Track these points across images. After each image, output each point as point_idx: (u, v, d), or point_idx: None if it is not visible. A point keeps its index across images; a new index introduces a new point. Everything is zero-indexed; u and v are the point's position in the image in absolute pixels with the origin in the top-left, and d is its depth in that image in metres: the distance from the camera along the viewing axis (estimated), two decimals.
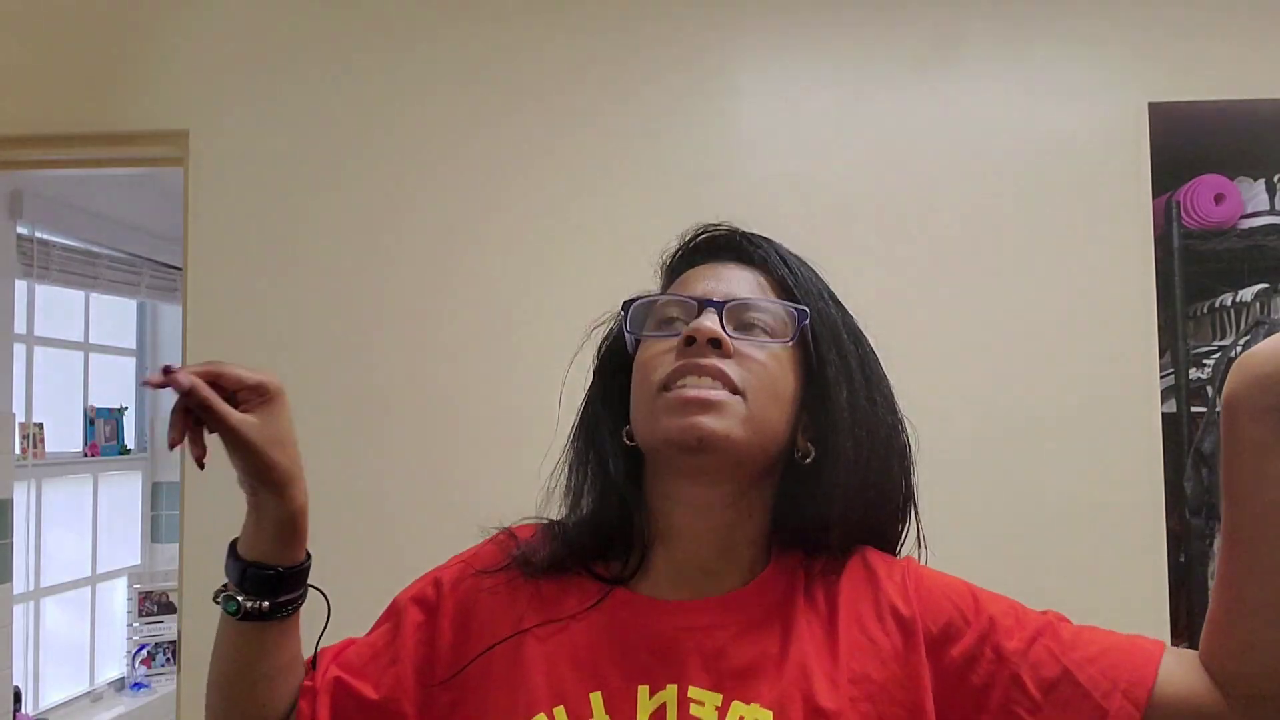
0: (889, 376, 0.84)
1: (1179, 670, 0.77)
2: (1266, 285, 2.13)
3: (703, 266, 0.82)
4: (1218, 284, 2.26)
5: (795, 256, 0.85)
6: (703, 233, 0.86)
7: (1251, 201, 2.12)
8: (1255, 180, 2.15)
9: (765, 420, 0.74)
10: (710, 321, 0.74)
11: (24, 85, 2.01)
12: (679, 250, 0.87)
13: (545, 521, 0.86)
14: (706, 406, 0.71)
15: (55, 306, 3.49)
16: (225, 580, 0.80)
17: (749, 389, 0.73)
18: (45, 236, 3.22)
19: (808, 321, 0.78)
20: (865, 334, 0.85)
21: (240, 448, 0.79)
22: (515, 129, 1.96)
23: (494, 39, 1.98)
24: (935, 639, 0.74)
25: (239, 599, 0.80)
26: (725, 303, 0.76)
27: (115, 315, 3.92)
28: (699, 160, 1.95)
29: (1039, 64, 1.96)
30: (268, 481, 0.79)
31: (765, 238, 0.85)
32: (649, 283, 2.08)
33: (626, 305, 0.81)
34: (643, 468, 0.80)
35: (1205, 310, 2.27)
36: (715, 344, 0.73)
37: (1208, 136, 2.14)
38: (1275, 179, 2.12)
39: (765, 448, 0.75)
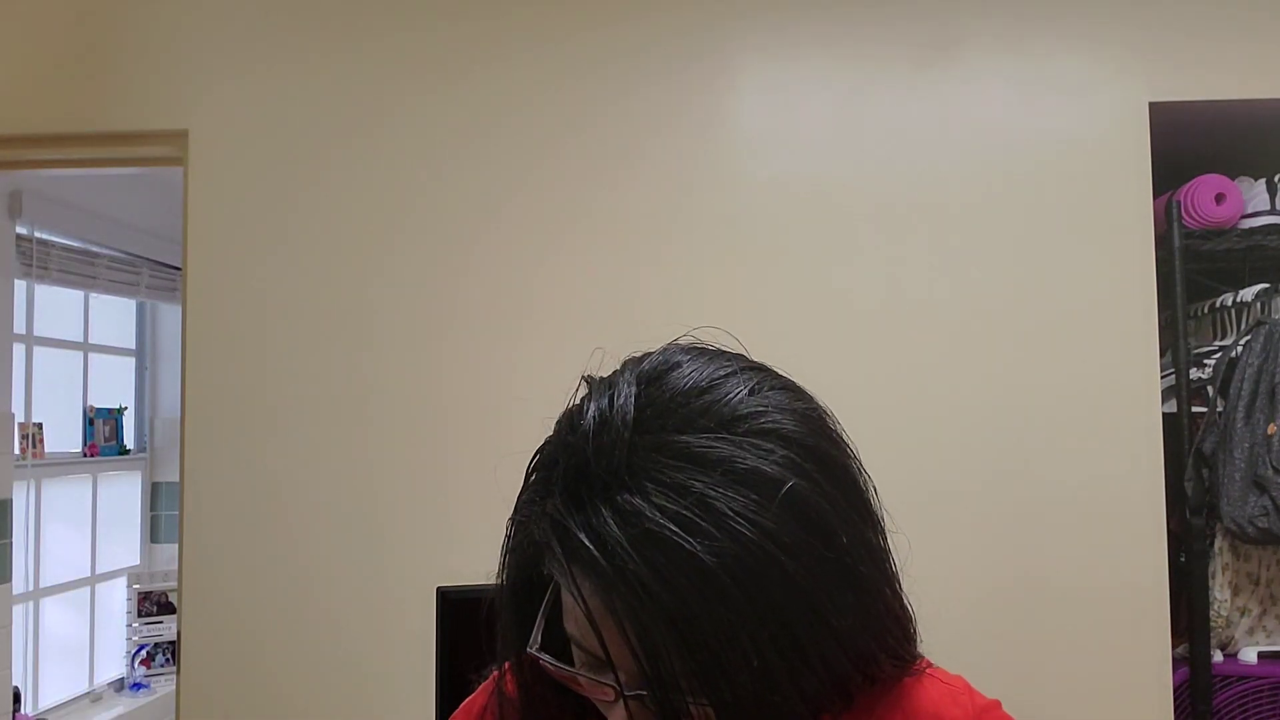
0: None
1: None
2: (1267, 285, 2.13)
3: (569, 606, 0.58)
4: (1218, 284, 2.26)
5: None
6: (541, 473, 0.61)
7: (1252, 201, 2.12)
8: (1256, 180, 2.15)
9: None
10: None
11: (24, 85, 2.01)
12: (538, 488, 0.60)
13: (492, 675, 0.70)
14: None
15: (55, 306, 3.48)
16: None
17: None
18: (45, 236, 3.21)
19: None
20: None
21: None
22: (515, 129, 1.96)
23: (493, 40, 1.98)
24: None
25: None
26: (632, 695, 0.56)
27: (115, 315, 3.91)
28: (699, 161, 1.95)
29: (1039, 64, 1.96)
30: None
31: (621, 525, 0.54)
32: (648, 282, 2.07)
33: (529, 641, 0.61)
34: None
35: (1206, 310, 2.27)
36: None
37: (1208, 136, 2.14)
38: (1276, 179, 2.12)
39: None
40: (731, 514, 0.52)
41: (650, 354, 0.62)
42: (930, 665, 0.69)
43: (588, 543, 0.53)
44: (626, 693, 0.55)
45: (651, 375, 0.59)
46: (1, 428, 2.88)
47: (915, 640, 0.66)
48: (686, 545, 0.51)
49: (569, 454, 0.57)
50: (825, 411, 0.63)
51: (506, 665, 0.68)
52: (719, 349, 0.64)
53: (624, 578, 0.52)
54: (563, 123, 1.96)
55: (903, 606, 0.65)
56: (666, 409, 0.57)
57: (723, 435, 0.55)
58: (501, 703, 0.69)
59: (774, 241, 1.94)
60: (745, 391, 0.58)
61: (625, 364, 0.62)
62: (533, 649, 0.60)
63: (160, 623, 3.79)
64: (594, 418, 0.57)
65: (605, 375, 0.62)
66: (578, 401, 0.61)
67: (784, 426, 0.57)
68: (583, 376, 0.63)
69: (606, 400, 0.58)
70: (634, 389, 0.58)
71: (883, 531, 0.63)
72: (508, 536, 0.64)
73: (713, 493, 0.53)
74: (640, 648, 0.53)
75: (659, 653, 0.52)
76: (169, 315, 4.04)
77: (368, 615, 1.88)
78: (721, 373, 0.60)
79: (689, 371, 0.59)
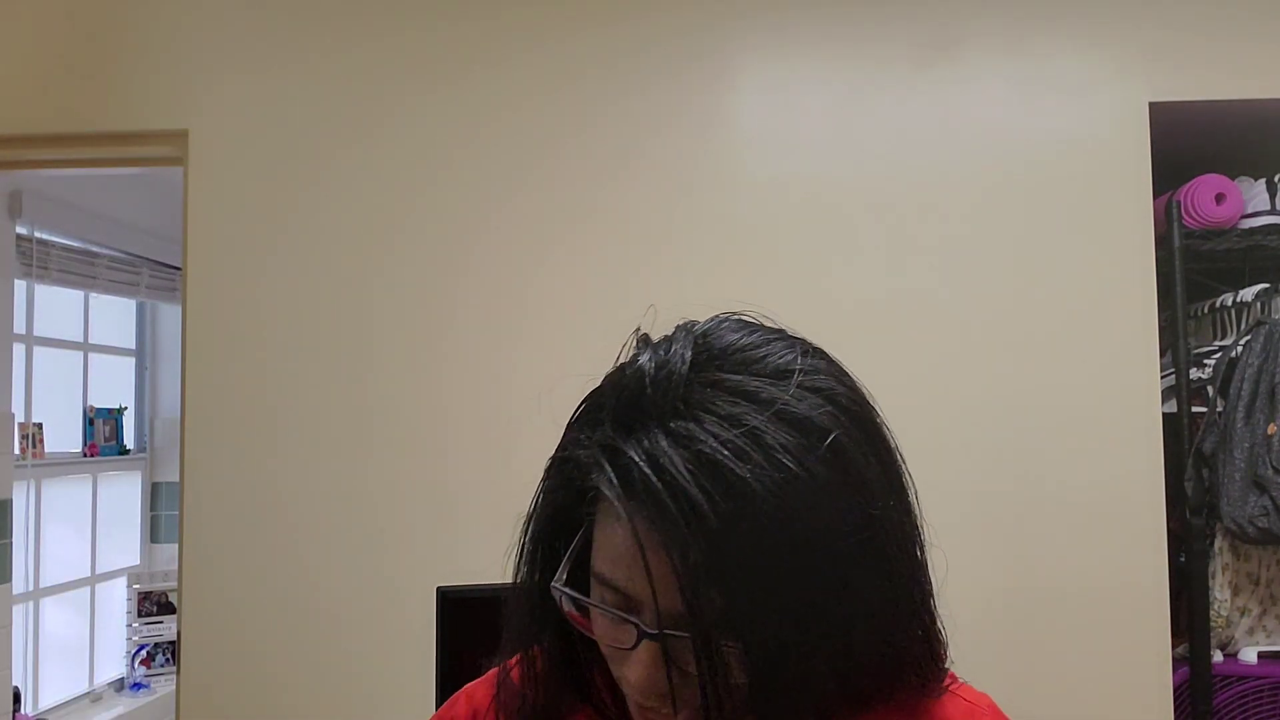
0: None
1: None
2: (1267, 285, 2.13)
3: (605, 539, 0.59)
4: (1218, 284, 2.26)
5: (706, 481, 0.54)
6: (593, 407, 0.61)
7: (1252, 201, 2.13)
8: (1256, 180, 2.15)
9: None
10: (649, 683, 0.58)
11: (24, 85, 2.01)
12: (586, 423, 0.61)
13: (499, 667, 0.70)
14: None
15: (55, 306, 3.49)
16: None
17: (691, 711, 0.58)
18: (45, 236, 3.21)
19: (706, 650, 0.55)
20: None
21: None
22: (516, 129, 1.96)
23: (493, 40, 1.98)
24: None
25: None
26: (649, 650, 0.57)
27: (115, 315, 3.91)
28: (699, 161, 1.95)
29: (1039, 64, 1.96)
30: None
31: (663, 453, 0.55)
32: (648, 282, 2.07)
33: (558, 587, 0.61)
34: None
35: (1206, 310, 2.27)
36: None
37: (1208, 136, 2.14)
38: (1275, 179, 2.12)
39: None
40: (780, 449, 0.54)
41: (700, 321, 0.64)
42: (956, 681, 0.68)
43: (639, 460, 0.54)
44: (649, 631, 0.56)
45: (707, 331, 0.61)
46: (1, 428, 2.89)
47: (943, 660, 0.65)
48: (736, 470, 0.53)
49: (622, 390, 0.59)
50: (872, 397, 0.65)
51: (513, 659, 0.68)
52: (765, 322, 0.66)
53: (674, 496, 0.53)
54: (563, 123, 1.96)
55: (934, 622, 0.64)
56: (723, 355, 0.59)
57: (776, 382, 0.57)
58: (505, 693, 0.69)
59: (774, 241, 1.94)
60: (798, 353, 0.61)
61: (678, 328, 0.63)
62: (558, 584, 0.61)
63: (160, 623, 3.79)
64: (650, 361, 0.59)
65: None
66: (630, 355, 0.62)
67: (835, 389, 0.59)
68: (637, 333, 0.65)
69: (664, 349, 0.59)
70: (691, 339, 0.60)
71: (920, 536, 0.65)
72: (546, 473, 0.64)
73: (764, 428, 0.54)
74: (681, 570, 0.53)
75: (698, 580, 0.53)
76: (169, 315, 4.04)
77: (367, 615, 1.88)
78: (773, 336, 0.62)
79: (742, 333, 0.62)
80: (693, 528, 0.53)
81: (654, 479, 0.54)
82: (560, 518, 0.63)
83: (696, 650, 0.54)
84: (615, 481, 0.55)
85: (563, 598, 0.61)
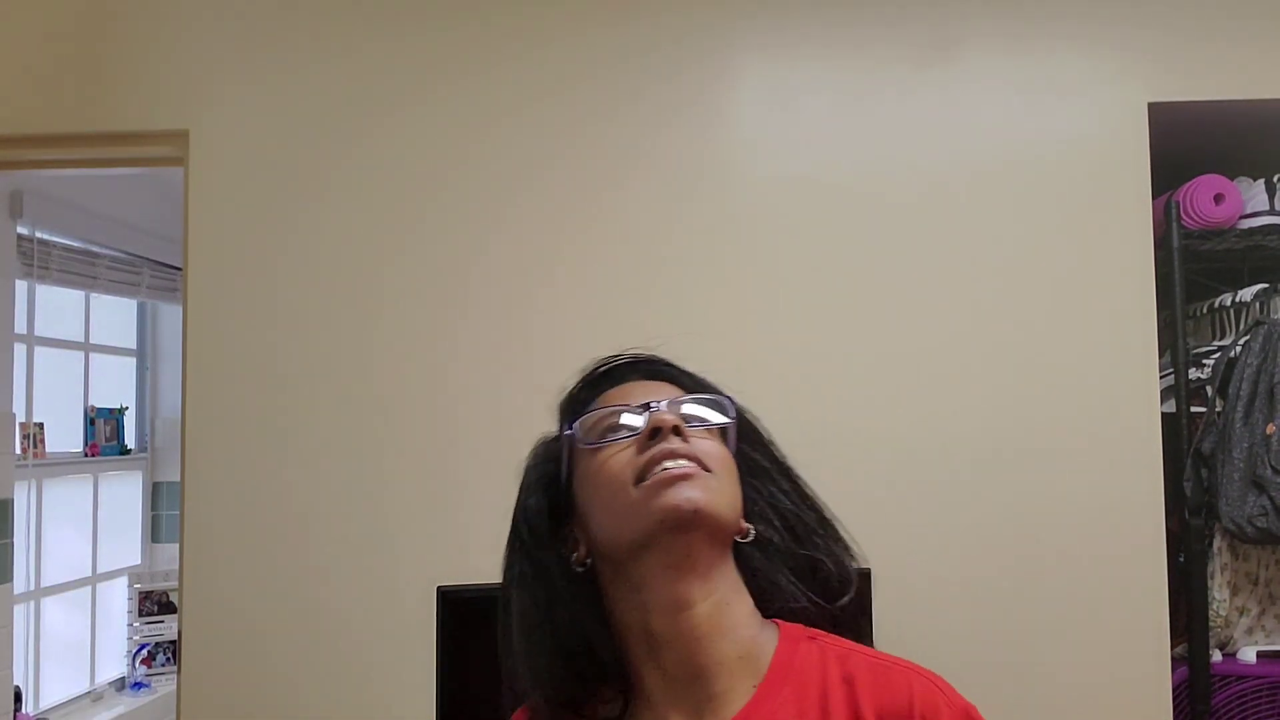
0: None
1: None
2: (1266, 285, 2.14)
3: (616, 389, 0.85)
4: (1217, 284, 2.26)
5: (688, 370, 0.89)
6: (604, 364, 0.88)
7: (1251, 201, 2.13)
8: (1255, 180, 2.15)
9: (734, 495, 0.79)
10: (667, 413, 0.79)
11: (24, 85, 2.01)
12: (581, 386, 0.88)
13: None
14: (692, 481, 0.75)
15: (55, 306, 3.49)
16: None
17: (715, 467, 0.78)
18: (45, 236, 3.22)
19: (734, 409, 0.84)
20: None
21: None
22: (517, 130, 1.96)
23: (493, 40, 1.98)
24: None
25: None
26: (665, 400, 0.81)
27: (115, 315, 3.92)
28: (698, 162, 1.95)
29: (1039, 64, 1.96)
30: None
31: (658, 356, 0.89)
32: (649, 282, 2.07)
33: (566, 419, 0.84)
34: (592, 598, 0.80)
35: (1205, 310, 2.27)
36: (677, 432, 0.77)
37: (1207, 136, 2.14)
38: (1275, 179, 2.12)
39: (736, 522, 0.79)
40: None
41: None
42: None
43: (631, 355, 0.88)
44: (655, 404, 0.80)
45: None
46: (3, 428, 2.89)
47: (850, 582, 0.84)
48: (698, 375, 0.88)
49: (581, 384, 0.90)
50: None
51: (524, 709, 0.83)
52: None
53: (666, 365, 0.87)
54: (565, 123, 1.97)
55: (842, 546, 0.87)
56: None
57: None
58: None
59: (774, 241, 1.94)
60: None
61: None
62: (568, 430, 0.84)
63: (161, 622, 3.80)
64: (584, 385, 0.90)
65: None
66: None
67: None
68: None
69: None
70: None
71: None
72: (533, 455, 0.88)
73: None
74: (677, 377, 0.86)
75: (685, 384, 0.86)
76: (170, 315, 4.04)
77: (368, 615, 1.89)
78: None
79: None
80: (677, 374, 0.87)
81: (644, 358, 0.88)
82: (545, 489, 0.85)
83: (684, 409, 0.81)
84: (615, 364, 0.88)
85: (572, 438, 0.83)
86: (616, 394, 0.84)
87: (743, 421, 0.86)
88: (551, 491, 0.84)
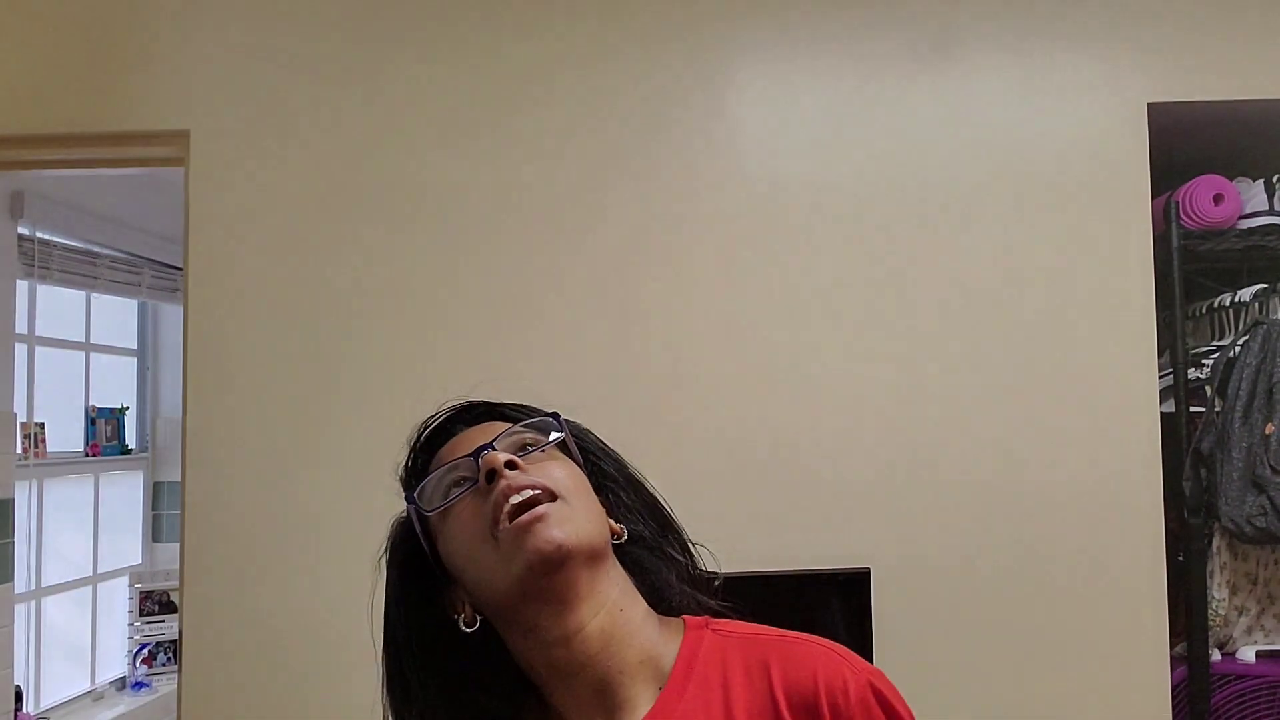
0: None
1: None
2: (1265, 285, 2.14)
3: (446, 446, 0.85)
4: (1216, 284, 2.26)
5: (510, 403, 0.90)
6: (426, 425, 0.89)
7: (1250, 202, 2.13)
8: (1254, 180, 2.15)
9: (592, 510, 0.78)
10: (498, 452, 0.78)
11: (24, 85, 2.01)
12: (413, 454, 0.89)
13: None
14: (546, 519, 0.74)
15: (56, 306, 3.49)
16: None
17: (563, 490, 0.77)
18: (46, 236, 3.22)
19: (563, 422, 0.85)
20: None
21: None
22: (517, 129, 1.97)
23: (493, 39, 1.98)
24: None
25: None
26: (493, 440, 0.80)
27: (116, 315, 3.92)
28: (698, 161, 1.96)
29: (1039, 64, 1.96)
30: None
31: (476, 400, 0.90)
32: (647, 283, 2.07)
33: (410, 495, 0.83)
34: (485, 649, 0.80)
35: (1204, 310, 2.27)
36: (511, 466, 0.77)
37: (1207, 136, 2.14)
38: (1274, 179, 2.12)
39: (604, 534, 0.78)
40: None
41: None
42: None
43: (449, 407, 0.90)
44: (483, 447, 0.79)
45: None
46: (3, 427, 2.89)
47: (708, 588, 0.85)
48: (522, 404, 0.89)
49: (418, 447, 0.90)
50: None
51: None
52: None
53: (488, 405, 0.89)
54: (565, 121, 1.97)
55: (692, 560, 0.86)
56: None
57: None
58: None
59: (774, 240, 1.94)
60: None
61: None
62: (411, 504, 0.83)
63: (162, 622, 3.80)
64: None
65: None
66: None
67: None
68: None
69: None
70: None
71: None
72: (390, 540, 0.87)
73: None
74: (504, 413, 0.87)
75: (513, 416, 0.87)
76: (170, 315, 4.04)
77: (368, 615, 1.89)
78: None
79: None
80: (497, 412, 0.88)
81: (461, 414, 0.90)
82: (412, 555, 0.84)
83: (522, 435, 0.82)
84: (447, 424, 0.89)
85: (416, 508, 0.82)
86: (447, 450, 0.84)
87: (578, 432, 0.87)
88: (420, 567, 0.83)
